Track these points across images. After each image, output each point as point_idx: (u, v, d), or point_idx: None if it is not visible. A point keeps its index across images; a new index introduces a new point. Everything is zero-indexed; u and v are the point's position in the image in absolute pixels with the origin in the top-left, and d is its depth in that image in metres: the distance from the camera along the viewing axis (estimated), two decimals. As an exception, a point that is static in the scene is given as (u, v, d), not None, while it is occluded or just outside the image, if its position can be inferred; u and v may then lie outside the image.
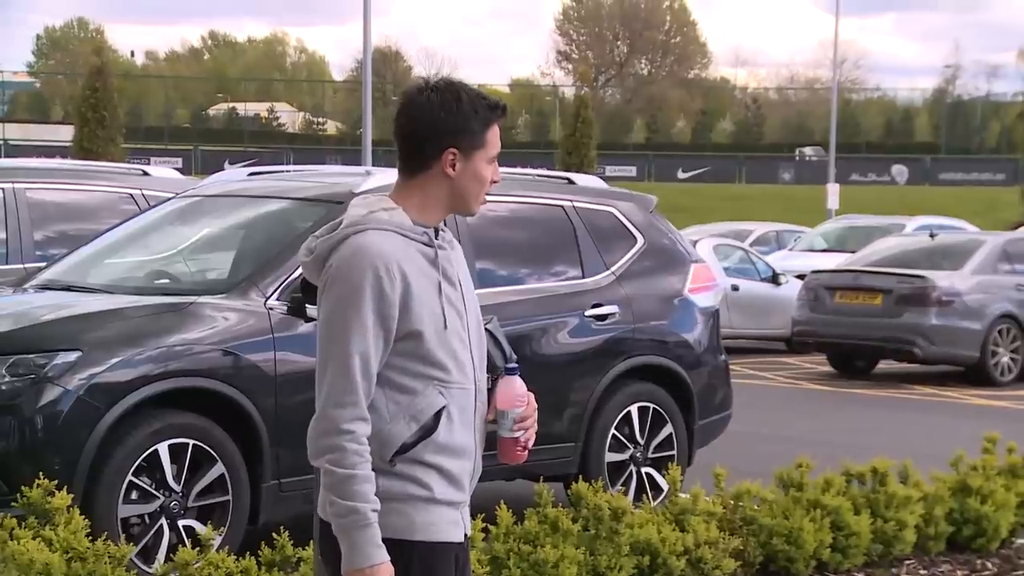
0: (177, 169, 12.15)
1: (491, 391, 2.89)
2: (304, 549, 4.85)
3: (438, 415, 2.77)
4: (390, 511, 2.72)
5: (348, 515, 2.67)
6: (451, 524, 2.81)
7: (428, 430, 2.76)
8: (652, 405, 7.48)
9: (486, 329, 2.94)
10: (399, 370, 2.75)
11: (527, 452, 2.91)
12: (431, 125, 2.80)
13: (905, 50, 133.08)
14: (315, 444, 2.72)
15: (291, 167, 8.58)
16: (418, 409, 2.76)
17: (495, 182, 2.91)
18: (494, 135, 2.86)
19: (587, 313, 7.31)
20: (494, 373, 2.91)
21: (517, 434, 2.87)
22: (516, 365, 2.89)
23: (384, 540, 2.70)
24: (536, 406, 2.91)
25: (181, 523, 5.80)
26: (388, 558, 2.69)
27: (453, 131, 2.80)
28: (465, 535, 2.87)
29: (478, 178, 2.85)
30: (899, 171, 62.09)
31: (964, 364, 14.63)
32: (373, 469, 2.71)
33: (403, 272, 2.73)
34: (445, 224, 2.93)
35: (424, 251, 2.79)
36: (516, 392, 2.86)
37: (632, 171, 59.04)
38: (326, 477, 2.69)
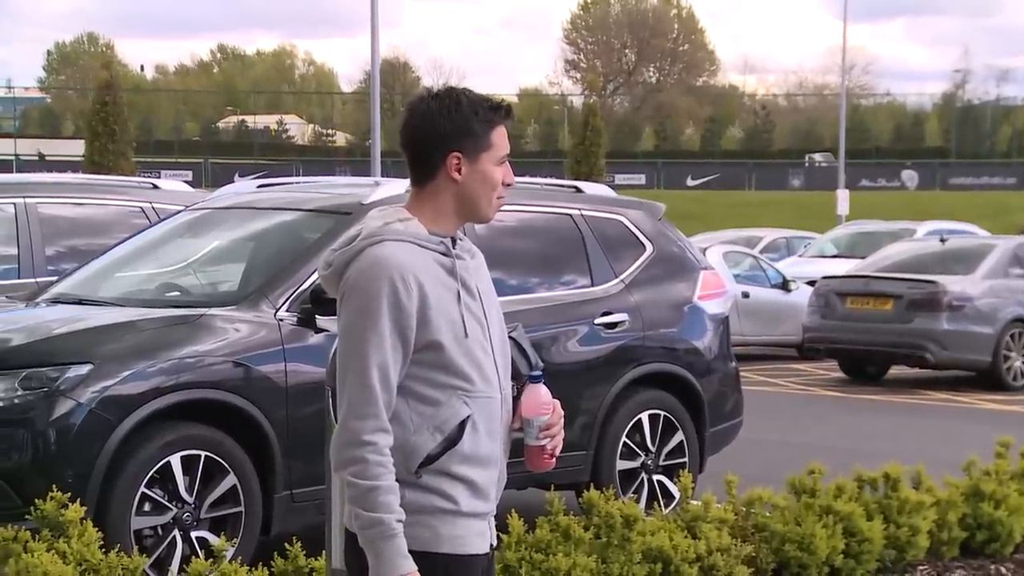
0: (187, 182, 12.17)
1: (516, 399, 2.89)
2: (317, 559, 4.86)
3: (462, 425, 2.76)
4: (416, 523, 2.72)
5: (373, 527, 2.66)
6: (477, 536, 2.81)
7: (452, 441, 2.75)
8: (663, 412, 7.48)
9: (510, 337, 2.93)
10: (422, 381, 2.75)
11: (555, 459, 2.90)
12: (433, 131, 2.80)
13: (915, 55, 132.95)
14: (337, 456, 2.71)
15: (300, 179, 8.60)
16: (442, 420, 2.75)
17: (508, 185, 2.87)
18: (500, 136, 2.83)
19: (597, 321, 7.31)
20: (519, 381, 2.90)
21: (543, 442, 2.86)
22: (541, 373, 2.88)
23: (410, 552, 2.69)
24: (562, 413, 2.90)
25: (194, 534, 5.81)
26: (415, 568, 2.68)
27: (455, 134, 2.79)
28: (491, 545, 2.86)
29: (487, 180, 2.83)
30: (909, 176, 62.02)
31: (976, 369, 14.60)
32: (399, 480, 2.70)
33: (420, 282, 2.72)
34: (464, 233, 2.92)
35: (442, 261, 2.79)
36: (541, 400, 2.85)
37: (641, 179, 59.09)
38: (350, 489, 2.68)
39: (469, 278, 2.83)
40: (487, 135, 2.81)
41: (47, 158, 50.53)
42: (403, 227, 2.78)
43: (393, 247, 2.74)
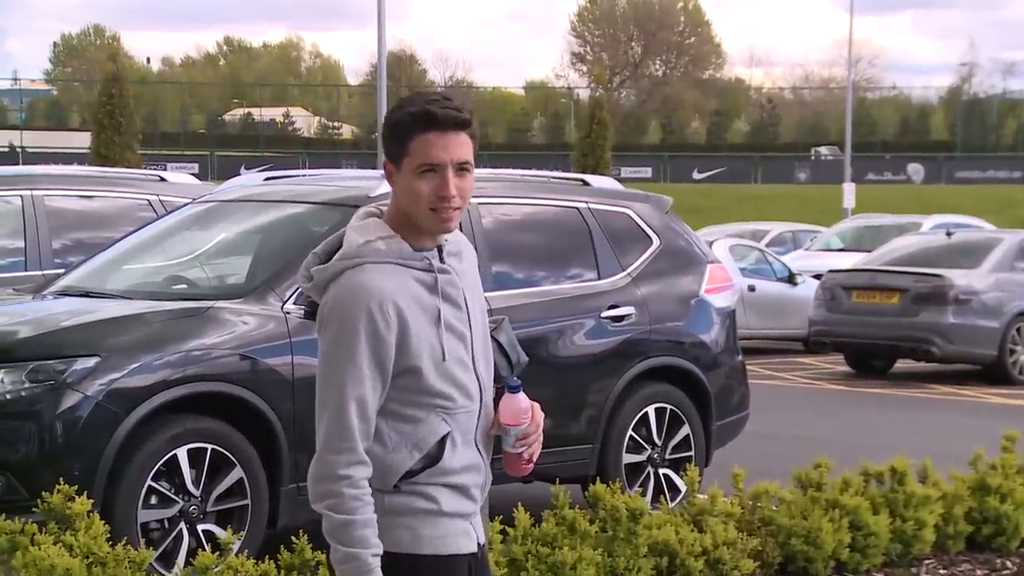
0: (193, 175, 12.19)
1: (495, 401, 2.85)
2: (323, 552, 4.86)
3: (442, 443, 2.74)
4: (398, 526, 2.70)
5: (349, 561, 2.64)
6: (460, 535, 2.78)
7: (433, 459, 2.73)
8: (669, 406, 7.48)
9: (493, 338, 2.89)
10: (400, 401, 2.72)
11: (532, 464, 2.89)
12: (382, 139, 2.81)
13: (922, 48, 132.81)
14: (313, 489, 2.69)
15: (307, 171, 8.60)
16: (420, 438, 2.73)
17: (443, 198, 2.69)
18: (422, 144, 2.69)
19: (603, 315, 7.31)
20: (498, 383, 2.87)
21: (520, 449, 2.84)
22: (519, 383, 2.85)
23: (392, 555, 2.68)
24: (540, 421, 2.86)
25: (200, 527, 5.82)
26: None
27: (386, 141, 2.76)
28: (479, 544, 2.84)
29: (408, 190, 2.70)
30: (915, 170, 61.91)
31: (982, 363, 14.58)
32: (378, 490, 2.69)
33: (399, 309, 2.68)
34: (461, 228, 2.89)
35: (423, 279, 2.73)
36: (519, 408, 2.82)
37: (647, 172, 59.03)
38: (326, 522, 2.66)
39: (453, 290, 2.77)
40: (404, 143, 2.71)
41: (52, 150, 50.54)
42: (384, 245, 2.71)
43: (372, 271, 2.68)
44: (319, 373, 2.73)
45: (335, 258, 2.74)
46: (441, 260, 2.77)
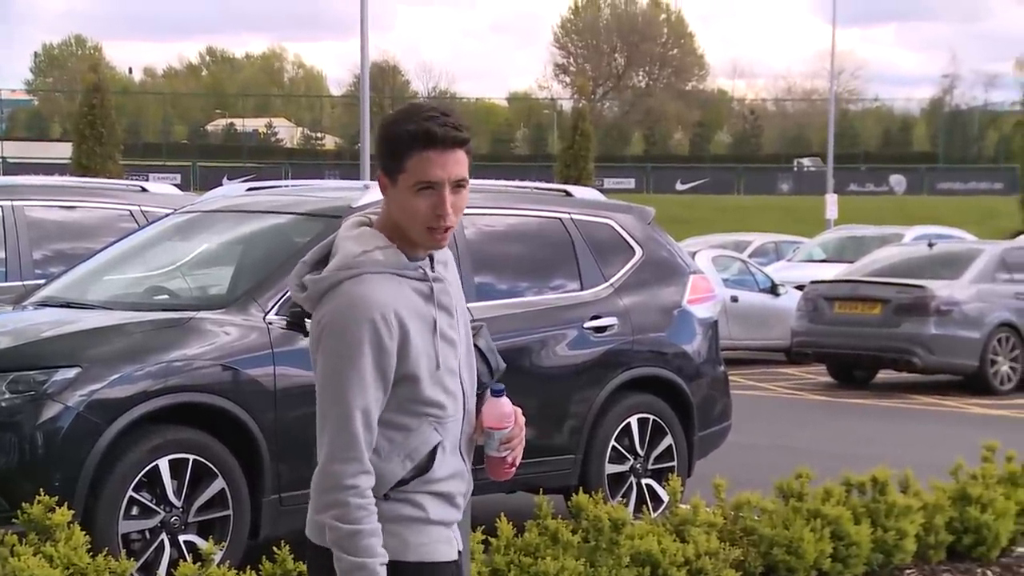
0: (175, 185, 12.17)
1: (477, 407, 2.87)
2: (304, 563, 4.85)
3: (433, 452, 2.75)
4: (385, 533, 2.69)
5: (356, 571, 2.64)
6: (444, 543, 2.79)
7: (423, 468, 2.74)
8: (652, 416, 7.49)
9: (474, 344, 2.90)
10: (394, 409, 2.72)
11: (515, 468, 2.90)
12: (375, 147, 2.81)
13: (905, 60, 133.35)
14: (318, 499, 2.68)
15: (289, 182, 8.60)
16: (412, 447, 2.74)
17: (440, 216, 2.69)
18: (420, 162, 2.68)
19: (586, 325, 7.31)
20: (480, 389, 2.89)
21: (504, 453, 2.87)
22: (502, 387, 2.87)
23: None
24: (523, 425, 2.89)
25: (182, 538, 5.80)
26: None
27: (380, 154, 2.76)
28: (459, 552, 2.84)
29: (404, 206, 2.71)
30: (897, 181, 62.13)
31: (963, 373, 14.64)
32: None
33: (400, 318, 2.68)
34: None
35: (419, 288, 2.74)
36: (503, 412, 2.84)
37: (631, 183, 59.08)
38: (331, 533, 2.66)
39: (447, 298, 2.79)
40: (400, 160, 2.71)
41: (33, 161, 50.40)
42: (382, 256, 2.71)
43: (372, 282, 2.68)
44: (319, 385, 2.71)
45: (331, 267, 2.73)
46: (432, 268, 2.79)
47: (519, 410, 2.88)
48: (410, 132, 2.69)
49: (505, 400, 2.85)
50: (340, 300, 2.68)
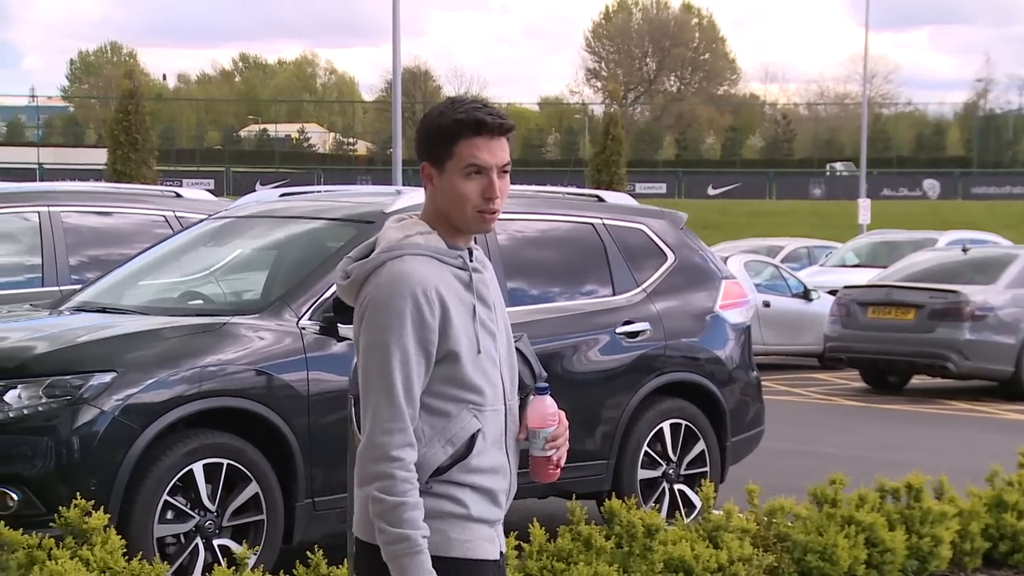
0: (209, 191, 12.24)
1: (521, 410, 2.90)
2: (338, 567, 4.87)
3: (472, 438, 2.78)
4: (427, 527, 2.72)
5: (399, 542, 2.66)
6: (487, 541, 2.82)
7: (462, 454, 2.77)
8: (684, 422, 7.47)
9: (516, 348, 2.94)
10: (435, 394, 2.76)
11: (560, 470, 2.92)
12: (417, 140, 2.87)
13: (938, 64, 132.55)
14: (363, 471, 2.71)
15: (322, 187, 8.63)
16: (453, 433, 2.77)
17: (490, 199, 2.80)
18: (469, 147, 2.78)
19: (618, 330, 7.31)
20: (524, 392, 2.92)
21: (549, 453, 2.89)
22: (547, 384, 2.90)
23: None
24: (567, 424, 2.92)
25: (216, 542, 5.83)
26: None
27: (425, 144, 2.84)
28: (501, 553, 2.87)
29: (454, 192, 2.79)
30: (931, 185, 61.76)
31: (998, 379, 14.52)
32: None
33: (441, 297, 2.74)
34: (476, 242, 2.94)
35: (459, 275, 2.81)
36: (547, 411, 2.88)
37: (662, 188, 58.99)
38: (375, 505, 2.68)
39: (485, 289, 2.85)
40: (450, 146, 2.79)
41: (69, 167, 50.80)
42: (423, 240, 2.79)
43: (413, 262, 2.75)
44: (363, 362, 2.76)
45: (375, 253, 2.81)
46: (471, 260, 2.85)
47: (563, 413, 2.90)
48: (460, 120, 2.79)
49: (549, 399, 2.88)
50: (383, 277, 2.76)
